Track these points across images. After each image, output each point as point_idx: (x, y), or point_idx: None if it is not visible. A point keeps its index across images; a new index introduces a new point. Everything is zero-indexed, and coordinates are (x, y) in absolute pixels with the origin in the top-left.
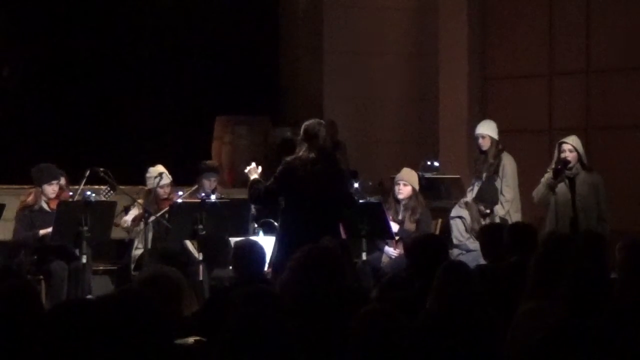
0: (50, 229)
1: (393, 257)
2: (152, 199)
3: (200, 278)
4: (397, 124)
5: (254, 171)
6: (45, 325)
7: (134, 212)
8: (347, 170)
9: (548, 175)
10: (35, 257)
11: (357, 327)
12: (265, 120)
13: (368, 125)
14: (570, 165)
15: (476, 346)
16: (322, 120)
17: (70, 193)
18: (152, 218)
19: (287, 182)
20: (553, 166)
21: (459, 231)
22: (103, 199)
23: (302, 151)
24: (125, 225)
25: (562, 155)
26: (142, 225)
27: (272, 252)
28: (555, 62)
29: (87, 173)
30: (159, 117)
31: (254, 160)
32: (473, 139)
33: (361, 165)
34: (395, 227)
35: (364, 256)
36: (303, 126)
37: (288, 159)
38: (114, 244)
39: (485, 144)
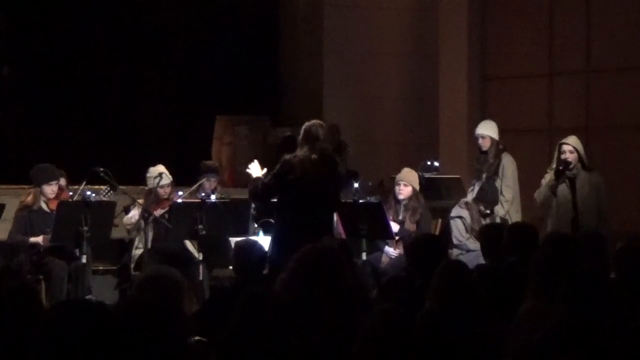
0: (41, 238)
1: (393, 257)
2: (152, 199)
3: (200, 278)
4: (397, 124)
5: (255, 169)
6: (44, 325)
7: (134, 212)
8: (348, 171)
9: (548, 176)
10: (35, 257)
11: (367, 327)
12: (265, 120)
13: (368, 125)
14: (571, 165)
15: (476, 346)
16: (323, 122)
17: (70, 193)
18: (152, 218)
19: (284, 180)
20: (554, 166)
21: (459, 231)
22: (103, 199)
23: (302, 151)
24: (132, 220)
25: (563, 156)
26: (142, 224)
27: (268, 250)
28: (555, 62)
29: (87, 175)
30: (159, 117)
31: (253, 160)
32: (473, 139)
33: (361, 165)
34: (395, 227)
35: (364, 256)
36: (304, 127)
37: (287, 157)
38: (114, 244)
39: (485, 144)
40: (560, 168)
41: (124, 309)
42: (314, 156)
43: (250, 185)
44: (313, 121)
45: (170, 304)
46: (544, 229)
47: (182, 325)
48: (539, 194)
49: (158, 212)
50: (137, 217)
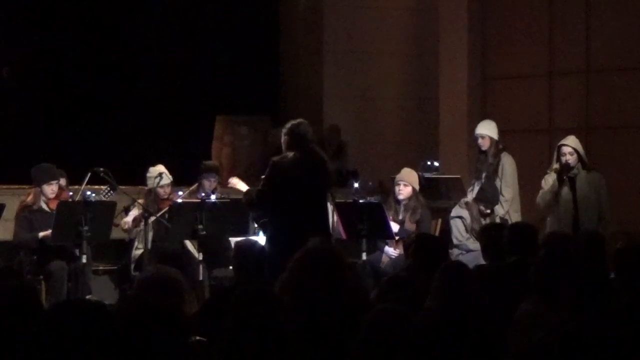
0: (50, 231)
1: (393, 257)
2: (152, 199)
3: (200, 278)
4: (397, 124)
5: (239, 183)
6: (44, 325)
7: (134, 213)
8: (348, 171)
9: (549, 177)
10: (35, 257)
11: (367, 326)
12: (265, 120)
13: (368, 125)
14: (572, 166)
15: (475, 346)
16: (304, 120)
17: (70, 193)
18: (152, 218)
19: (276, 182)
20: (554, 167)
21: (459, 231)
22: (103, 199)
23: (290, 152)
24: (126, 227)
25: (563, 158)
26: (142, 225)
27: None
28: (555, 62)
29: (88, 175)
30: (160, 117)
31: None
32: (473, 139)
33: (361, 165)
34: (395, 227)
35: (364, 256)
36: (289, 127)
37: (276, 159)
38: (114, 244)
39: (485, 144)
40: (563, 175)
41: (124, 309)
42: (300, 155)
43: (244, 198)
44: (298, 120)
45: (170, 304)
46: (544, 229)
47: (182, 325)
48: (542, 200)
49: (152, 218)
50: (130, 224)
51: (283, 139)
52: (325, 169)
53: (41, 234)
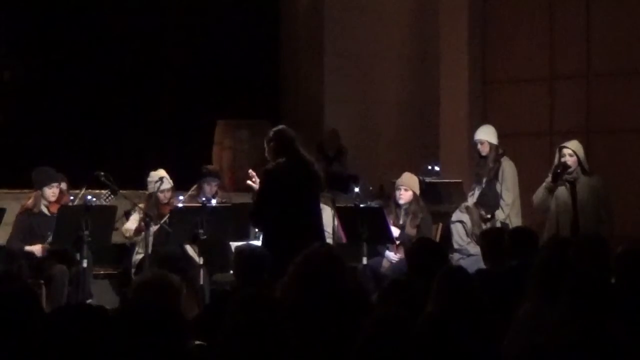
0: (38, 247)
1: (394, 261)
2: (153, 204)
3: (201, 282)
4: (397, 127)
5: (252, 181)
6: (45, 329)
7: (134, 217)
8: (348, 175)
9: (549, 179)
10: (35, 261)
11: (367, 331)
12: (265, 124)
13: (369, 129)
14: (571, 169)
15: (475, 351)
16: (286, 126)
17: (71, 197)
18: (155, 228)
19: (272, 189)
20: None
21: (459, 236)
22: (104, 203)
23: (278, 157)
24: (128, 234)
25: (563, 159)
26: (144, 227)
27: None
28: (555, 66)
29: (89, 179)
30: (160, 121)
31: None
32: (472, 144)
33: (362, 169)
34: (396, 231)
35: (364, 260)
36: (276, 133)
37: (268, 167)
38: (115, 248)
39: (484, 150)
40: (558, 171)
41: (123, 313)
42: (293, 162)
43: (249, 214)
44: (281, 126)
45: (168, 308)
46: (544, 233)
47: (182, 329)
48: (537, 197)
49: (154, 227)
50: (132, 232)
51: (269, 145)
52: (315, 173)
53: (27, 248)
